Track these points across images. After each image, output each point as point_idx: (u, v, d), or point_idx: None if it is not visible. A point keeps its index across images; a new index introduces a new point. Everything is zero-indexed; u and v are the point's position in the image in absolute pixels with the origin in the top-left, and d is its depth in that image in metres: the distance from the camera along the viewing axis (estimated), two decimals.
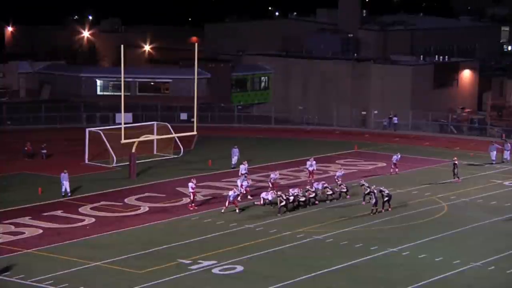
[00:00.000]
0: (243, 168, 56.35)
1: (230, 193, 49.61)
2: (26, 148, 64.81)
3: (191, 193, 50.52)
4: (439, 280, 38.40)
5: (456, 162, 59.52)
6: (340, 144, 74.54)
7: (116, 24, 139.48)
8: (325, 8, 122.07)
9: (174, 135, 65.27)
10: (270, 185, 54.56)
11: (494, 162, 65.80)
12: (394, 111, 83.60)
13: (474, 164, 66.16)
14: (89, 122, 79.77)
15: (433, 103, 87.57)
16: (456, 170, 59.25)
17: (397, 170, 60.95)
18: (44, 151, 64.55)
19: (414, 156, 68.03)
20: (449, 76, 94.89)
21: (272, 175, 55.53)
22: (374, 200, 49.57)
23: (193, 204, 50.53)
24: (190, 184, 50.47)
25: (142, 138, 61.80)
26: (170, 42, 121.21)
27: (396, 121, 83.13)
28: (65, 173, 52.81)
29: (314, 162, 59.10)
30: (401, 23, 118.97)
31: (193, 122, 63.26)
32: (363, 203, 51.09)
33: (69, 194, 52.66)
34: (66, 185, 52.69)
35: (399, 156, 61.74)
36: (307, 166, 58.76)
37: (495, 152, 66.21)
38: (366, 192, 50.95)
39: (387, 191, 50.33)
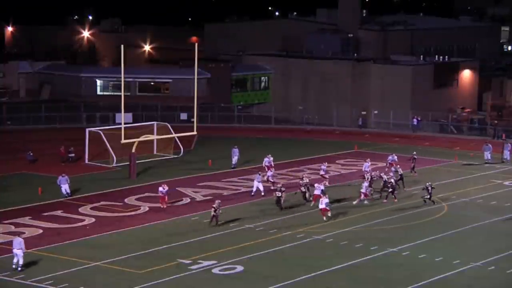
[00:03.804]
0: (266, 161, 58.19)
1: (324, 200, 48.69)
2: (64, 152, 63.95)
3: (160, 197, 50.16)
4: (439, 280, 38.42)
5: (415, 156, 60.30)
6: (340, 144, 74.56)
7: (116, 24, 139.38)
8: (325, 8, 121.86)
9: (174, 135, 65.28)
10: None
11: (487, 162, 65.95)
12: (413, 113, 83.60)
13: (474, 164, 66.21)
14: (89, 122, 79.77)
15: (433, 103, 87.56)
16: (413, 165, 60.08)
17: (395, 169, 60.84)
18: (72, 154, 63.81)
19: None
20: (449, 76, 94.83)
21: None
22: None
23: (164, 205, 50.09)
24: (160, 189, 50.17)
25: (142, 138, 61.82)
26: (170, 42, 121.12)
27: (415, 123, 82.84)
28: (63, 176, 52.58)
29: (324, 166, 58.97)
30: (401, 23, 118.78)
31: (193, 122, 63.29)
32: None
33: (70, 194, 52.58)
34: (65, 188, 52.41)
35: (395, 156, 61.69)
36: (321, 172, 58.30)
37: (489, 152, 66.37)
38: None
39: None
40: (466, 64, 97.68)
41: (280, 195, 49.84)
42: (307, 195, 51.84)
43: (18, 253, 38.45)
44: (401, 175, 55.97)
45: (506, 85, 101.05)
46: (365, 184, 52.18)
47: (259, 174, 54.06)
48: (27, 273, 37.95)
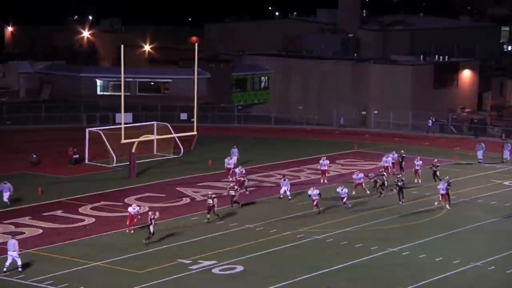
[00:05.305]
0: (229, 163, 58.63)
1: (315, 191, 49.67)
2: (71, 153, 63.00)
3: (129, 216, 45.93)
4: (439, 280, 38.42)
5: (404, 155, 61.42)
6: (340, 144, 74.55)
7: (116, 24, 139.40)
8: (325, 8, 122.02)
9: (174, 135, 65.29)
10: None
11: (481, 161, 66.08)
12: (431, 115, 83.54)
13: (473, 164, 66.21)
14: (89, 122, 79.75)
15: (433, 103, 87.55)
16: (403, 163, 60.77)
17: (394, 170, 60.82)
18: (76, 155, 63.14)
19: (414, 156, 67.89)
20: (449, 76, 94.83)
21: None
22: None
23: (133, 227, 45.58)
24: (129, 209, 45.50)
25: (142, 138, 61.82)
26: (170, 42, 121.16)
27: (430, 124, 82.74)
28: (5, 183, 50.72)
29: (327, 161, 59.17)
30: (401, 23, 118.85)
31: (193, 122, 63.28)
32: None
33: (9, 205, 50.12)
34: (5, 196, 50.35)
35: (395, 155, 61.74)
36: (319, 166, 58.60)
37: (482, 152, 66.50)
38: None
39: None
40: (466, 64, 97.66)
41: (211, 203, 47.49)
42: (236, 197, 50.83)
43: (13, 255, 38.29)
44: (437, 166, 58.18)
45: (506, 85, 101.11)
46: (441, 186, 51.65)
47: (284, 180, 53.88)
48: (27, 273, 37.95)
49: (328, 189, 53.77)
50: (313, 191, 49.79)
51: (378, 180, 54.53)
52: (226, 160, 59.08)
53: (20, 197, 52.15)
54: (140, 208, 46.31)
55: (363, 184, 54.71)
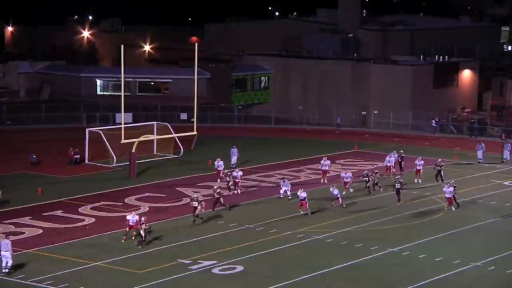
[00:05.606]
0: (220, 165, 58.17)
1: (302, 194, 49.05)
2: (72, 154, 62.80)
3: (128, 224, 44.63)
4: (439, 280, 38.43)
5: (403, 155, 61.74)
6: (340, 144, 74.56)
7: (116, 24, 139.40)
8: (325, 8, 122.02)
9: (174, 135, 65.30)
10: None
11: (481, 161, 66.13)
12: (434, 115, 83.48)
13: (473, 164, 66.22)
14: (89, 122, 79.76)
15: (433, 103, 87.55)
16: (402, 163, 61.07)
17: (394, 170, 60.81)
18: (77, 156, 62.97)
19: (414, 156, 67.96)
20: (449, 76, 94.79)
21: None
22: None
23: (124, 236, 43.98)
24: (128, 217, 44.00)
25: (142, 138, 61.83)
26: (170, 42, 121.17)
27: (434, 124, 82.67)
28: None
29: (328, 161, 59.17)
30: (401, 23, 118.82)
31: (193, 122, 63.29)
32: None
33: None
34: None
35: (396, 155, 61.77)
36: (321, 166, 58.62)
37: (482, 152, 66.54)
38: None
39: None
40: (466, 64, 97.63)
41: (196, 205, 47.07)
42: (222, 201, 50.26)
43: (6, 255, 38.19)
44: (441, 166, 58.40)
45: (506, 85, 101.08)
46: (446, 189, 51.16)
47: (283, 181, 53.77)
48: (27, 273, 37.95)
49: (328, 189, 53.67)
50: (301, 193, 49.43)
51: (370, 180, 54.59)
52: (216, 162, 58.58)
53: (20, 197, 52.18)
54: (138, 215, 45.61)
55: (349, 183, 54.64)
